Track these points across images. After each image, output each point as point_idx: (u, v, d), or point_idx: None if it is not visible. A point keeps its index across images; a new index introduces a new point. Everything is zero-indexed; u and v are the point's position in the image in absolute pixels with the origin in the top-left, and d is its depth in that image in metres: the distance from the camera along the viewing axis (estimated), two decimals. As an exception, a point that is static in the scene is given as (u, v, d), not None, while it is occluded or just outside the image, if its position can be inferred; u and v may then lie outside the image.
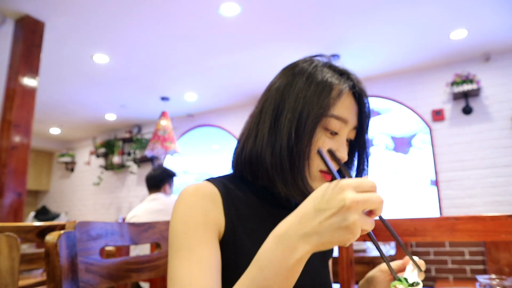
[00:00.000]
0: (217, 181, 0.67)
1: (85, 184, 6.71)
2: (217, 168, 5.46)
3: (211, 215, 0.62)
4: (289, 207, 0.72)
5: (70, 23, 3.03)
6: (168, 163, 5.75)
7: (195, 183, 0.66)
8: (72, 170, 7.00)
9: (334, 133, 0.66)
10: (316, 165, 0.65)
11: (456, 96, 3.81)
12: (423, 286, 0.57)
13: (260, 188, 0.70)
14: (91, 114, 5.57)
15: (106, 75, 4.10)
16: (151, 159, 5.73)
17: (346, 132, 0.67)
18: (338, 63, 0.72)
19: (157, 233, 0.94)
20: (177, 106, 5.17)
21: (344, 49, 3.55)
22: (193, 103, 5.10)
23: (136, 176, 5.99)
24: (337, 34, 3.31)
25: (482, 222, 1.01)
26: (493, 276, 0.81)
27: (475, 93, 3.72)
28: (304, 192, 0.63)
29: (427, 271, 3.13)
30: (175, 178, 2.89)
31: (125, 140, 6.13)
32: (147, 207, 2.59)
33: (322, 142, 0.65)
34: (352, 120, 0.67)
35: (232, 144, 5.31)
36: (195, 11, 2.89)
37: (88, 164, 6.71)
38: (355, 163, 0.74)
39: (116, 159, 6.06)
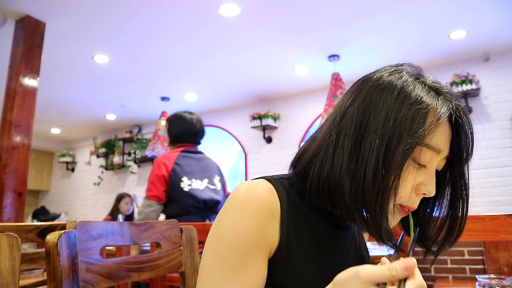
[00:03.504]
0: (278, 183, 0.60)
1: (85, 184, 6.72)
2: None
3: (267, 231, 0.55)
4: (345, 227, 0.67)
5: (71, 23, 3.03)
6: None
7: (252, 182, 0.58)
8: (72, 170, 7.01)
9: (421, 164, 0.56)
10: (398, 199, 0.57)
11: (456, 96, 3.81)
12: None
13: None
14: (92, 114, 5.57)
15: (106, 75, 4.10)
16: (152, 159, 5.73)
17: (436, 162, 0.57)
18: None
19: (157, 233, 0.94)
20: (177, 106, 5.17)
21: (344, 49, 3.55)
22: (193, 103, 5.11)
23: (137, 176, 6.00)
24: (337, 34, 3.31)
25: (482, 222, 1.01)
26: (492, 275, 0.81)
27: (474, 93, 3.71)
28: (382, 230, 0.55)
29: (427, 271, 3.13)
30: None
31: (125, 140, 6.13)
32: None
33: (413, 176, 0.55)
34: (446, 150, 0.58)
35: (232, 144, 5.31)
36: (195, 12, 2.90)
37: (89, 164, 6.71)
38: (446, 200, 0.65)
39: (116, 159, 6.06)
